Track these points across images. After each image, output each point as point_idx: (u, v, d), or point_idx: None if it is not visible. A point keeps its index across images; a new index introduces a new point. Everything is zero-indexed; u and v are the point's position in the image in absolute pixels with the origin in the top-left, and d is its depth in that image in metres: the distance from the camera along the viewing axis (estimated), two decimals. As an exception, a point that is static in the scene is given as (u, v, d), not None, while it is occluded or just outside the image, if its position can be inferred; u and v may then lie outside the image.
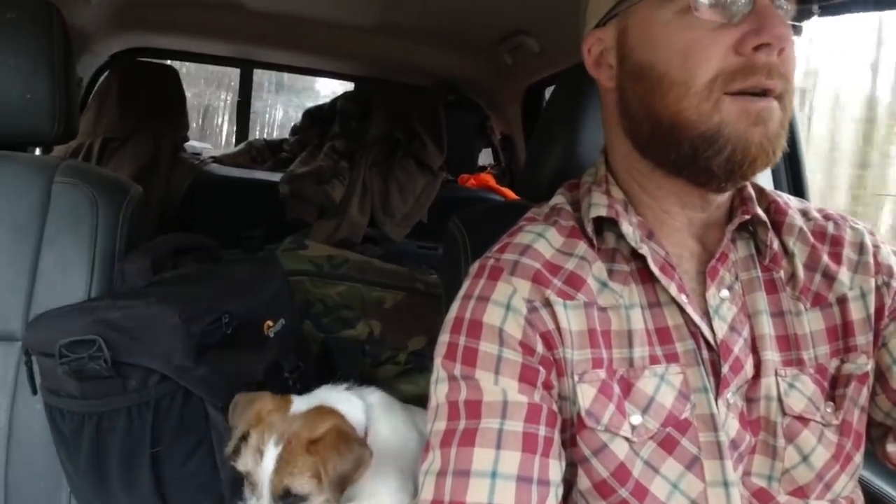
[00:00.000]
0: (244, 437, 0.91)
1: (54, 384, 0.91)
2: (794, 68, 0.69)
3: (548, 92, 2.34)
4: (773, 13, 0.65)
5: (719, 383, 0.70)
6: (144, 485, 0.91)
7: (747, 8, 0.65)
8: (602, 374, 0.69)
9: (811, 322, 0.74)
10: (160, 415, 0.91)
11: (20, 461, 1.05)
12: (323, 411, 0.94)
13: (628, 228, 0.73)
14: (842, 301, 0.75)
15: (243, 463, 0.90)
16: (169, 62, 2.67)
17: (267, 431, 0.89)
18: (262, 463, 0.88)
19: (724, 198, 0.75)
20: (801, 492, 0.71)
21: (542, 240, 0.75)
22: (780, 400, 0.71)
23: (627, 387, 0.70)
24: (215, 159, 2.55)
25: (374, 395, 1.05)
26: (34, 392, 0.95)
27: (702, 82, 0.65)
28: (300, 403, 0.95)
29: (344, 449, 0.89)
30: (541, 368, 0.69)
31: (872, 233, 0.80)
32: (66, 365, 0.86)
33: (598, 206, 0.75)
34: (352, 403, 0.99)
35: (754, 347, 0.72)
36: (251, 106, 3.00)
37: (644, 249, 0.71)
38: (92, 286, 1.08)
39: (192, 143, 2.61)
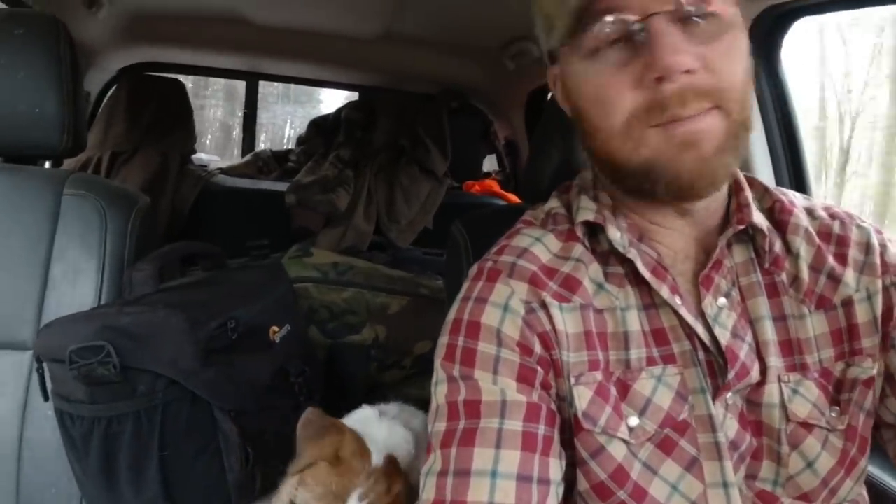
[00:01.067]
0: (310, 465, 0.87)
1: (64, 389, 0.92)
2: (732, 65, 0.64)
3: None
4: (663, 41, 0.61)
5: (716, 384, 0.69)
6: (153, 488, 0.92)
7: (642, 37, 0.62)
8: (598, 376, 0.69)
9: (815, 325, 0.73)
10: (168, 418, 0.92)
11: (32, 467, 1.07)
12: (394, 468, 0.91)
13: (615, 234, 0.73)
14: (847, 304, 0.73)
15: (308, 500, 0.85)
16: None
17: (352, 483, 0.86)
18: None
19: (709, 203, 0.73)
20: (805, 497, 0.70)
21: (539, 244, 0.75)
22: (783, 406, 0.70)
23: (624, 389, 0.69)
24: (222, 170, 2.58)
25: (417, 420, 1.03)
26: (46, 398, 0.96)
27: (619, 125, 0.65)
28: (374, 450, 0.91)
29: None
30: (539, 368, 0.69)
31: (880, 231, 0.78)
32: (75, 370, 0.87)
33: (587, 210, 0.76)
34: (403, 439, 0.97)
35: (759, 353, 0.71)
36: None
37: (632, 253, 0.71)
38: (101, 295, 1.10)
39: (199, 155, 2.64)
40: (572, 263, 0.74)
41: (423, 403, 1.02)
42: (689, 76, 0.61)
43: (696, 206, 0.72)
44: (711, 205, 0.74)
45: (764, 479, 0.70)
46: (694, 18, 0.63)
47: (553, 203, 0.82)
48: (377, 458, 0.89)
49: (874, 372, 0.72)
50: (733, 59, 0.65)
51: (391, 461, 0.90)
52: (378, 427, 0.95)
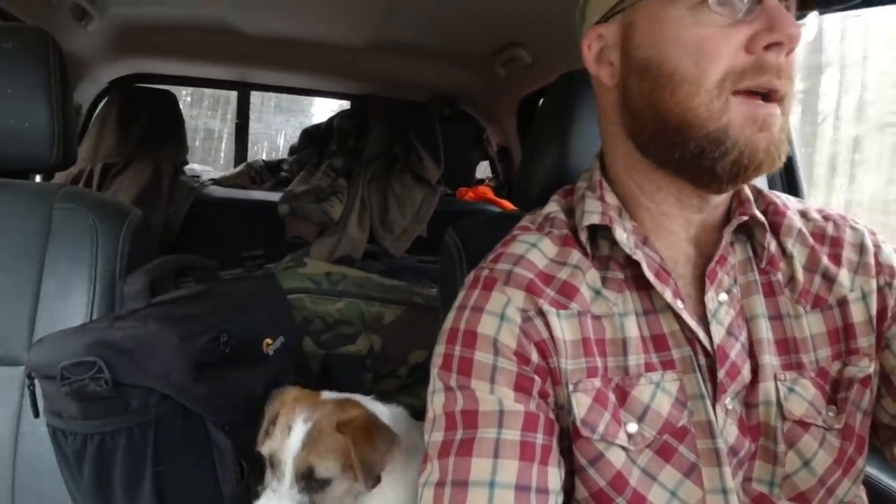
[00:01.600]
0: (273, 421, 0.90)
1: (56, 406, 0.91)
2: (795, 74, 0.68)
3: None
4: (784, 12, 0.65)
5: (716, 389, 0.69)
6: (148, 502, 0.91)
7: (756, 6, 0.65)
8: (597, 382, 0.69)
9: (811, 325, 0.74)
10: (161, 433, 0.91)
11: (26, 484, 1.06)
12: (353, 402, 0.94)
13: (622, 235, 0.73)
14: (842, 303, 0.74)
15: (270, 444, 0.88)
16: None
17: (297, 410, 0.89)
18: (288, 439, 0.87)
19: (722, 199, 0.75)
20: (802, 497, 0.70)
21: (535, 250, 0.75)
22: (779, 404, 0.70)
23: (623, 395, 0.69)
24: (214, 181, 2.57)
25: (398, 409, 1.04)
26: (37, 415, 0.95)
27: (713, 80, 0.65)
28: (327, 394, 0.96)
29: (374, 432, 0.89)
30: (536, 377, 0.69)
31: (874, 233, 0.79)
32: (67, 387, 0.86)
33: (592, 213, 0.75)
34: (379, 409, 0.98)
35: (752, 352, 0.72)
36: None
37: (638, 255, 0.71)
38: (93, 309, 1.10)
39: (192, 166, 2.64)
40: (569, 269, 0.73)
41: (419, 413, 1.02)
42: (787, 57, 0.65)
43: (716, 199, 0.74)
44: (722, 201, 0.75)
45: (760, 480, 0.70)
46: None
47: (552, 207, 0.82)
48: (327, 397, 0.93)
49: (871, 371, 0.73)
50: (796, 66, 0.68)
51: (350, 399, 0.94)
52: (356, 396, 0.99)
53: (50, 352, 0.90)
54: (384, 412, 0.98)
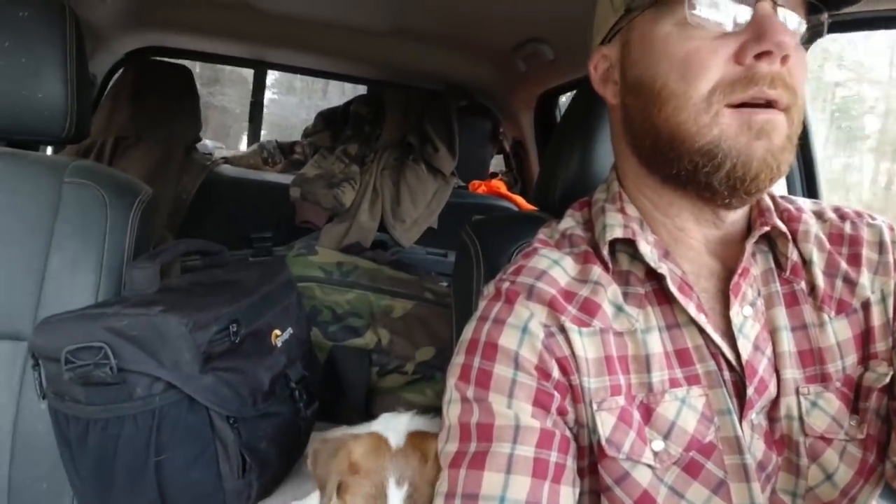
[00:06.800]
0: (348, 488, 0.81)
1: (60, 389, 0.90)
2: (803, 79, 0.67)
3: (561, 99, 2.33)
4: (774, 21, 0.63)
5: (743, 404, 0.68)
6: (148, 492, 0.90)
7: (747, 16, 0.64)
8: (621, 400, 0.68)
9: (837, 332, 0.72)
10: (165, 423, 0.89)
11: (24, 462, 1.04)
12: (419, 439, 0.84)
13: (646, 248, 0.72)
14: (865, 306, 0.73)
15: None
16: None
17: (380, 470, 0.80)
18: None
19: (738, 213, 0.74)
20: None
21: (557, 267, 0.74)
22: (801, 419, 0.69)
23: (648, 412, 0.68)
24: (226, 160, 2.55)
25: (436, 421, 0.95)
26: (43, 397, 0.94)
27: (701, 93, 0.64)
28: (391, 436, 0.85)
29: None
30: (556, 393, 0.68)
31: (892, 228, 0.78)
32: (71, 371, 0.85)
33: (614, 226, 0.74)
34: (425, 424, 0.90)
35: (775, 366, 0.71)
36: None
37: (663, 269, 0.70)
38: (100, 288, 1.08)
39: (204, 143, 2.61)
40: (591, 286, 0.72)
41: (424, 410, 0.99)
42: (781, 66, 0.63)
43: (730, 214, 0.72)
44: (739, 217, 0.74)
45: (784, 491, 0.70)
46: (788, 20, 0.66)
47: (568, 222, 0.81)
48: (398, 442, 0.84)
49: (889, 378, 0.71)
50: (803, 74, 0.67)
51: (414, 436, 0.85)
52: (397, 419, 0.90)
53: (55, 334, 0.89)
54: (428, 423, 0.90)
